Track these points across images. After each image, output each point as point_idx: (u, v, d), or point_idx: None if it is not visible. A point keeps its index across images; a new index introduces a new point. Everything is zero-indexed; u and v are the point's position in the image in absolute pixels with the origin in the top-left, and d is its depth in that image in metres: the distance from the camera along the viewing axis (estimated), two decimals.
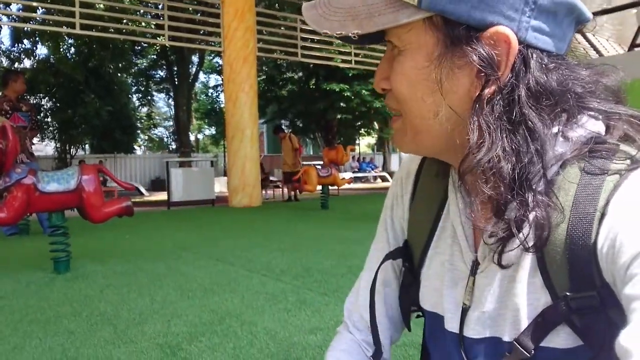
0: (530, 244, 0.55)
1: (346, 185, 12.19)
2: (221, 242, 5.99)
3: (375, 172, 27.13)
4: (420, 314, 0.79)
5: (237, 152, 10.93)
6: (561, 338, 0.57)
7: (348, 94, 22.19)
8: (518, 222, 0.55)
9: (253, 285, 3.92)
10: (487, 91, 0.55)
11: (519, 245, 0.56)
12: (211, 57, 31.56)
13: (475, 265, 0.65)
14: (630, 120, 0.58)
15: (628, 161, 0.54)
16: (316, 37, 13.76)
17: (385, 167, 30.68)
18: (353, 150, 24.06)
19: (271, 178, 15.36)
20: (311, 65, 19.59)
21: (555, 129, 0.56)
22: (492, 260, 0.59)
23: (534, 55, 0.55)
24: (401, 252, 0.79)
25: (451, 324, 0.68)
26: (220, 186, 16.95)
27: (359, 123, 27.05)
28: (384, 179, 26.20)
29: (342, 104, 23.04)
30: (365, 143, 40.86)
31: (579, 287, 0.54)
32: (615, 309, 0.51)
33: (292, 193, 12.81)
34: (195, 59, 27.34)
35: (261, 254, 5.17)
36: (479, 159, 0.55)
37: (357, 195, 14.98)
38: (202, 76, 37.42)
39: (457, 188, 0.69)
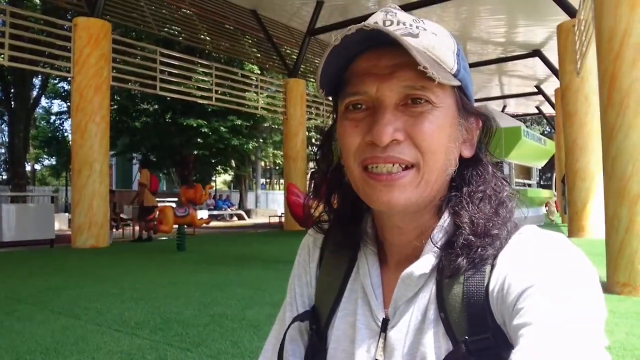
0: (483, 254, 0.65)
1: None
2: (64, 291, 5.35)
3: (232, 209, 26.81)
4: None
5: (84, 187, 10.04)
6: None
7: (206, 130, 21.84)
8: (493, 235, 0.65)
9: (105, 342, 3.52)
10: (470, 152, 0.72)
11: (479, 250, 0.64)
12: (56, 81, 29.08)
13: (385, 322, 0.70)
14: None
15: (510, 227, 0.67)
16: (175, 71, 13.39)
17: (241, 205, 30.50)
18: (212, 188, 23.54)
19: (121, 215, 14.35)
20: (168, 98, 18.99)
21: None
22: (459, 263, 0.65)
23: None
24: (309, 314, 0.80)
25: None
26: (60, 224, 15.41)
27: (216, 160, 26.71)
28: (240, 217, 25.97)
29: (199, 139, 22.57)
30: (221, 180, 40.35)
31: (476, 331, 0.61)
32: (506, 349, 0.56)
33: (144, 232, 12.04)
34: (37, 81, 24.98)
35: (112, 304, 4.70)
36: (483, 189, 0.69)
37: (214, 235, 14.58)
38: (44, 101, 34.16)
39: (368, 251, 0.75)
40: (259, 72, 19.44)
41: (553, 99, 19.08)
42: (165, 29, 15.10)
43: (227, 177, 38.69)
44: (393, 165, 0.65)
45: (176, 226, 9.44)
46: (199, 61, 14.59)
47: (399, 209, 0.67)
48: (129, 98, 23.02)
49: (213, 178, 31.95)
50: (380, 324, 0.70)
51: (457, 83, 0.65)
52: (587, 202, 10.63)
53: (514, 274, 0.59)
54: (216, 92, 14.34)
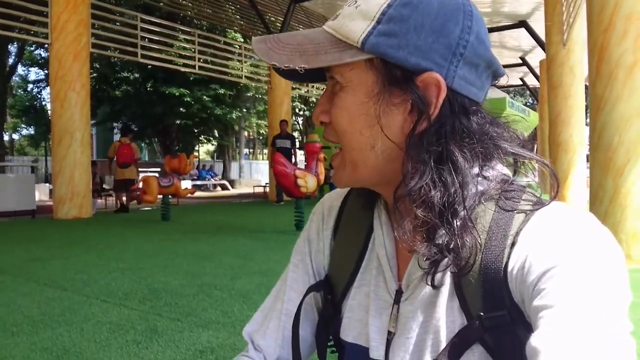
0: (458, 267, 0.60)
1: None
2: (49, 262, 5.29)
3: (215, 180, 26.65)
4: (334, 349, 0.80)
5: (65, 157, 9.83)
6: (475, 357, 0.61)
7: (188, 99, 21.52)
8: (447, 246, 0.60)
9: (93, 313, 3.50)
10: (419, 127, 0.61)
11: (447, 267, 0.61)
12: (33, 48, 28.26)
13: (399, 294, 0.69)
14: (532, 163, 0.68)
15: (533, 201, 0.62)
16: (157, 37, 13.07)
17: (225, 175, 30.34)
18: (196, 158, 23.33)
19: (104, 186, 14.17)
20: (149, 66, 18.58)
21: (475, 169, 0.63)
22: (425, 282, 0.63)
23: (459, 99, 0.62)
24: (323, 284, 0.80)
25: (377, 353, 0.70)
26: (40, 194, 15.18)
27: (199, 129, 26.40)
28: (223, 187, 25.86)
29: (181, 109, 22.24)
30: (204, 150, 40.03)
31: (491, 308, 0.60)
32: (522, 327, 0.57)
33: (119, 202, 11.84)
34: (12, 48, 24.25)
35: (99, 274, 4.67)
36: (411, 187, 0.61)
37: (198, 205, 14.51)
38: (20, 68, 33.21)
39: (382, 220, 0.73)
40: (242, 40, 19.07)
41: (537, 71, 19.08)
42: None
43: (210, 147, 38.40)
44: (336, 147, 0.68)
45: (160, 196, 9.35)
46: (181, 28, 14.23)
47: (342, 187, 0.72)
48: (109, 66, 22.53)
49: (196, 148, 31.67)
50: (393, 295, 0.70)
51: (358, 58, 0.60)
52: (569, 174, 10.74)
53: (536, 253, 0.57)
54: (199, 60, 14.06)
